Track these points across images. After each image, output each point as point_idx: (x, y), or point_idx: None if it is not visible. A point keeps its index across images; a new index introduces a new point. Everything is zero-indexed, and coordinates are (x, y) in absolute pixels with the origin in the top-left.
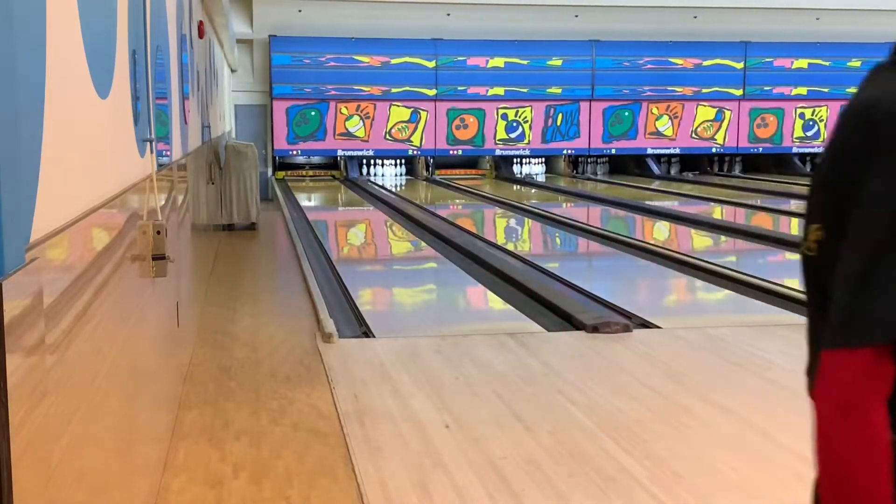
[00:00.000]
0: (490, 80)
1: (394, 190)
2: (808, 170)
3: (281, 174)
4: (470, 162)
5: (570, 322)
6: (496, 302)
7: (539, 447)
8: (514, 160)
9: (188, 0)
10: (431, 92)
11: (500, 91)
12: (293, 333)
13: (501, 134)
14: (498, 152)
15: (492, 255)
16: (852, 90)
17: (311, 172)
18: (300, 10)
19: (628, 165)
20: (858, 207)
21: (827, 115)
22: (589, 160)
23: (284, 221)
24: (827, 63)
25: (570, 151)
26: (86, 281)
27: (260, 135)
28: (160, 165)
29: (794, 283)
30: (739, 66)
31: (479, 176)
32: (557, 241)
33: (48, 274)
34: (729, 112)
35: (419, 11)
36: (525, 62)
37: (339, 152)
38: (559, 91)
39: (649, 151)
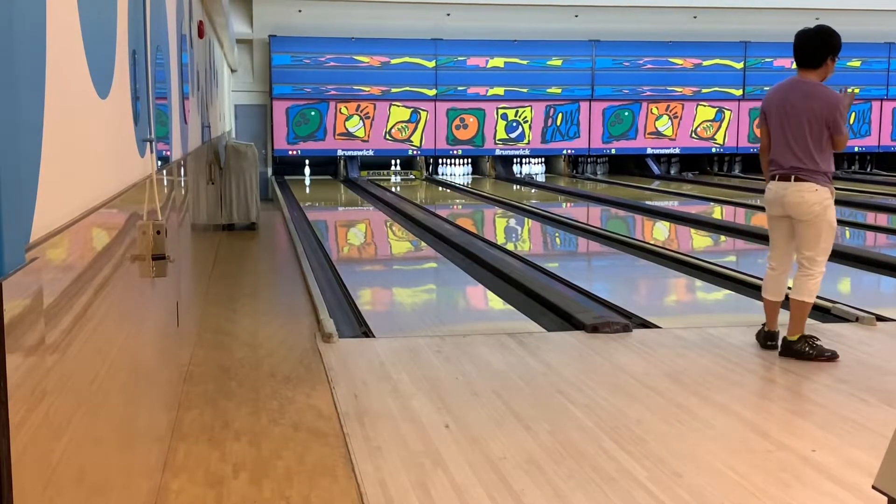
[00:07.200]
0: (490, 80)
1: (394, 190)
2: None
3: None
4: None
5: (569, 322)
6: (496, 302)
7: (538, 447)
8: (514, 160)
9: (188, 0)
10: (431, 92)
11: (499, 91)
12: (293, 333)
13: (501, 134)
14: (498, 152)
15: (492, 255)
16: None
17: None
18: (300, 10)
19: (628, 165)
20: None
21: None
22: (589, 160)
23: (284, 221)
24: None
25: (569, 151)
26: (86, 281)
27: (260, 135)
28: (160, 165)
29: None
30: (739, 66)
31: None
32: (557, 241)
33: (48, 274)
34: (729, 112)
35: (419, 11)
36: (525, 62)
37: (339, 152)
38: (559, 91)
39: (649, 151)
